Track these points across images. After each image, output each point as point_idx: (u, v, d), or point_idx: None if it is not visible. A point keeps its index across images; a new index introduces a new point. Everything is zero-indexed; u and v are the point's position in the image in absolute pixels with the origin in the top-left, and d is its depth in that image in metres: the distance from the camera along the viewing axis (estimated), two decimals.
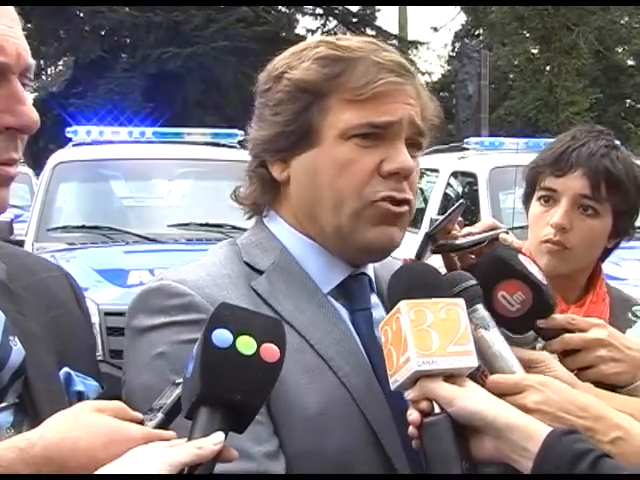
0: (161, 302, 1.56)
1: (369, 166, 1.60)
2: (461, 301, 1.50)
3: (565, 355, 1.72)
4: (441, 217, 1.85)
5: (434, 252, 1.80)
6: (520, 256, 1.70)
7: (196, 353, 1.31)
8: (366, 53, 1.61)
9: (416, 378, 1.44)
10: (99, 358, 5.84)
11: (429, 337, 1.44)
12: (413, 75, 1.65)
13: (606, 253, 2.44)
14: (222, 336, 1.30)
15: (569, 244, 2.31)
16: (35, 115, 1.45)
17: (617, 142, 2.42)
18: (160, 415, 1.34)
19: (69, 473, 1.27)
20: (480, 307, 1.59)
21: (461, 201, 2.07)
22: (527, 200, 2.41)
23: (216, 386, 1.28)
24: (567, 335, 1.71)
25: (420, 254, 1.79)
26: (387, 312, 1.65)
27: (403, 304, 1.46)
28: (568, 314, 1.77)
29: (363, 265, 1.70)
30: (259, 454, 1.46)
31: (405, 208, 1.63)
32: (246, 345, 1.30)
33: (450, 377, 1.45)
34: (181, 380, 1.36)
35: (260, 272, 1.63)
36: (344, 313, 1.66)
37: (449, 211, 1.85)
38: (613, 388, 1.74)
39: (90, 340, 1.70)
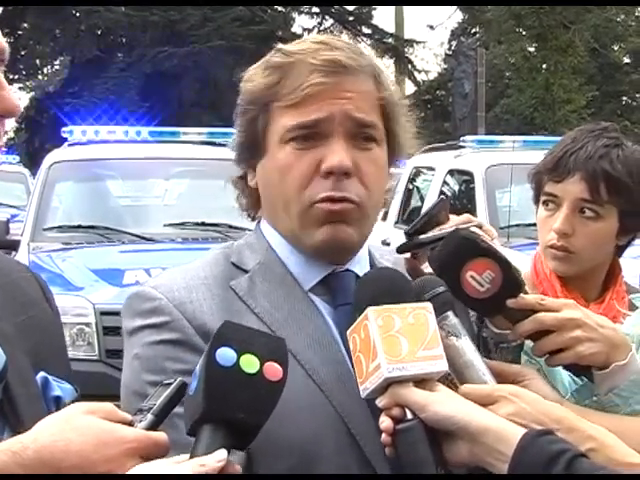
0: (137, 306, 1.65)
1: (307, 168, 1.63)
2: (429, 305, 1.48)
3: (538, 338, 1.69)
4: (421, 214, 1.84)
5: (398, 252, 1.79)
6: (482, 235, 1.67)
7: (200, 371, 1.32)
8: (304, 56, 1.64)
9: (387, 385, 1.42)
10: (95, 358, 5.84)
11: (398, 343, 1.42)
12: (350, 69, 1.64)
13: (620, 249, 2.42)
14: (226, 354, 1.31)
15: (573, 248, 2.30)
16: (16, 99, 1.46)
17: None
18: (150, 416, 1.34)
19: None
20: (451, 314, 1.56)
21: (442, 197, 2.05)
22: (536, 201, 2.41)
23: (219, 404, 1.29)
24: (540, 314, 1.67)
25: (399, 252, 1.79)
26: None
27: (371, 310, 1.44)
28: (538, 294, 1.73)
29: (343, 262, 1.71)
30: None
31: (344, 205, 1.63)
32: (249, 364, 1.31)
33: (421, 382, 1.43)
34: (170, 381, 1.38)
35: (245, 271, 1.68)
36: (325, 308, 1.67)
37: (428, 208, 1.84)
38: (589, 368, 1.72)
39: (62, 341, 1.72)
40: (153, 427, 1.34)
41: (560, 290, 2.32)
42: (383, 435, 1.43)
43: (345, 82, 1.63)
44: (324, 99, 1.62)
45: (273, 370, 1.32)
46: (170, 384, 1.37)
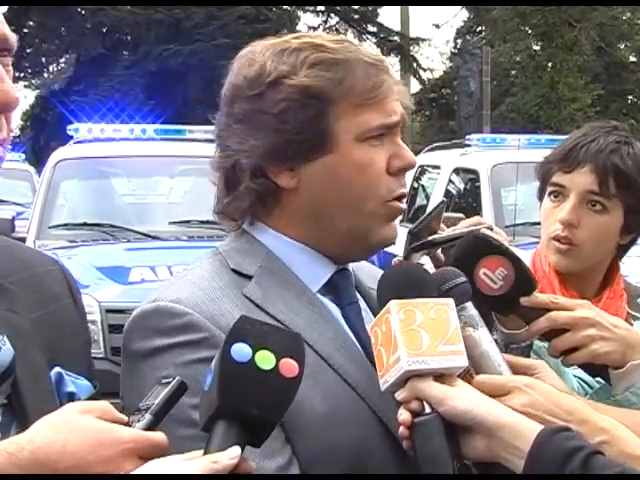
0: (159, 324, 1.53)
1: (382, 165, 1.63)
2: (450, 301, 1.49)
3: (551, 337, 1.71)
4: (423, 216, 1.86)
5: (412, 251, 1.80)
6: (496, 236, 1.71)
7: (215, 367, 1.31)
8: (355, 54, 1.63)
9: (406, 378, 1.43)
10: (100, 355, 5.84)
11: (419, 337, 1.43)
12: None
13: (622, 250, 2.42)
14: (241, 350, 1.29)
15: (577, 240, 2.29)
16: (14, 92, 1.43)
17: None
18: (148, 416, 1.32)
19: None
20: (469, 305, 1.57)
21: (443, 199, 2.09)
22: (541, 196, 2.41)
23: (234, 400, 1.28)
24: (554, 312, 1.69)
25: (408, 253, 1.80)
26: (368, 306, 1.70)
27: (393, 304, 1.45)
28: (551, 294, 1.75)
29: (349, 262, 1.72)
30: (270, 469, 1.46)
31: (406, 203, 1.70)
32: (265, 360, 1.30)
33: (440, 377, 1.44)
34: (168, 380, 1.36)
35: (249, 277, 1.62)
36: (334, 309, 1.67)
37: (430, 209, 1.87)
38: (605, 369, 1.73)
39: (84, 337, 1.67)
40: (151, 427, 1.32)
41: (558, 288, 2.32)
42: (401, 428, 1.44)
43: (397, 83, 1.68)
44: (393, 99, 1.64)
45: (289, 366, 1.30)
46: (168, 383, 1.36)
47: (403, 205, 1.67)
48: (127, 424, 1.32)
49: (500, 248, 1.66)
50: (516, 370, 1.61)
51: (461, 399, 1.42)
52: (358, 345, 1.63)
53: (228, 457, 1.25)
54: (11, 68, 1.47)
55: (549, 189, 2.35)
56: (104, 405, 1.33)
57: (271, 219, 1.67)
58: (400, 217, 1.75)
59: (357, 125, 1.61)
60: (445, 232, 1.84)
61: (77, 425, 1.29)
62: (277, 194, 1.64)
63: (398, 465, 1.55)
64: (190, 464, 1.24)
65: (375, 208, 1.63)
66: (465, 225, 1.86)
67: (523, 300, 1.68)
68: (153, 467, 1.25)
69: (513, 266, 1.65)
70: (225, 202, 1.69)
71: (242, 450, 1.27)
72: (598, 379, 1.81)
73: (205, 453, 1.27)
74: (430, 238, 1.80)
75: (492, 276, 1.65)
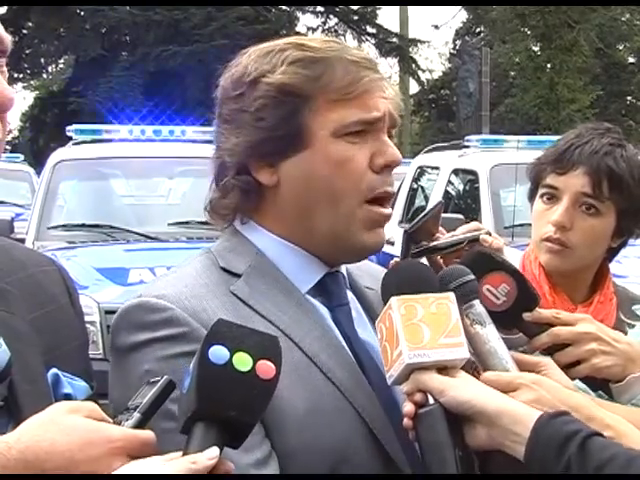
0: (142, 318, 1.56)
1: (364, 162, 1.62)
2: (451, 295, 1.52)
3: (554, 351, 1.73)
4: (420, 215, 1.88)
5: (413, 255, 1.82)
6: (495, 241, 1.76)
7: (192, 369, 1.32)
8: (338, 52, 1.64)
9: (409, 371, 1.47)
10: (99, 356, 5.84)
11: (420, 331, 1.46)
12: (377, 67, 1.70)
13: (612, 252, 2.42)
14: (219, 352, 1.30)
15: (570, 243, 2.29)
16: (10, 92, 1.43)
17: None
18: (137, 415, 1.33)
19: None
20: (477, 303, 1.59)
21: (440, 200, 2.11)
22: (532, 197, 2.40)
23: (212, 402, 1.29)
24: (556, 328, 1.72)
25: (405, 253, 1.81)
26: (363, 306, 1.73)
27: (394, 300, 1.49)
28: (553, 309, 1.77)
29: (340, 264, 1.72)
30: (246, 464, 1.46)
31: (390, 210, 1.68)
32: (242, 362, 1.31)
33: (443, 369, 1.47)
34: (157, 379, 1.37)
35: (238, 275, 1.63)
36: (324, 310, 1.67)
37: (427, 210, 1.88)
38: (606, 383, 1.75)
39: (82, 338, 1.67)
40: (140, 426, 1.32)
41: (548, 292, 2.32)
42: (405, 419, 1.47)
43: (383, 81, 1.67)
44: (376, 96, 1.63)
45: (266, 368, 1.31)
46: (156, 382, 1.36)
47: (386, 210, 1.65)
48: (115, 424, 1.32)
49: (503, 264, 1.71)
50: (523, 368, 1.62)
51: (461, 389, 1.45)
52: (346, 347, 1.64)
53: (207, 458, 1.26)
54: (5, 69, 1.47)
55: (541, 191, 2.34)
56: (90, 405, 1.34)
57: (259, 216, 1.68)
58: (399, 218, 1.76)
59: (333, 121, 1.61)
60: (444, 238, 1.86)
61: (66, 424, 1.29)
62: (261, 191, 1.66)
63: (381, 465, 1.56)
64: (169, 465, 1.25)
65: (353, 208, 1.62)
66: (464, 231, 1.88)
67: (526, 315, 1.71)
68: (132, 468, 1.26)
69: (515, 282, 1.69)
70: (214, 199, 1.71)
71: (221, 451, 1.28)
72: (600, 392, 1.82)
73: (184, 454, 1.27)
74: (431, 244, 1.82)
75: (495, 292, 1.68)
